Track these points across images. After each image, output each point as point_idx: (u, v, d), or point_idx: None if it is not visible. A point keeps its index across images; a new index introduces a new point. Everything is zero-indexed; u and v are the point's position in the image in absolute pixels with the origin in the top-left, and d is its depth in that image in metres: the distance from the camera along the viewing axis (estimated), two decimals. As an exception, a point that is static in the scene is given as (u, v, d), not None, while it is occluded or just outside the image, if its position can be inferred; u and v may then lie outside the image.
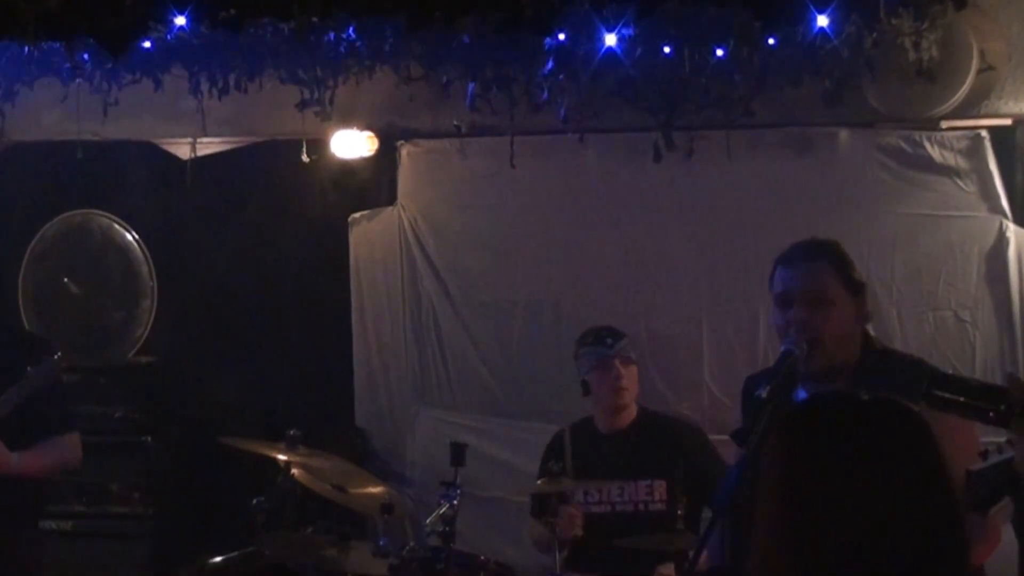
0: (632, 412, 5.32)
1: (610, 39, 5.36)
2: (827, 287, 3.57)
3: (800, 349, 3.51)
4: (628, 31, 5.38)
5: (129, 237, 6.59)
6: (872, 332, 3.77)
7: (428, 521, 4.80)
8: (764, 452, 1.95)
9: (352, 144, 6.14)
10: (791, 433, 1.94)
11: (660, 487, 5.11)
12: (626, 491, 5.12)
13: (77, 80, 5.94)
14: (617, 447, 5.23)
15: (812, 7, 5.21)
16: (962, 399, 2.67)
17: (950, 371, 5.42)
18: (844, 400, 2.00)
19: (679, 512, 4.83)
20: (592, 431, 5.34)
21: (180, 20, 5.45)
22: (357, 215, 6.35)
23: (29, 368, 4.41)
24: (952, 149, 5.62)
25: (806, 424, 1.96)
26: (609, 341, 5.30)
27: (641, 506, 5.13)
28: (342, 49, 5.67)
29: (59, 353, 4.47)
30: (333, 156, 6.16)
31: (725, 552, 3.67)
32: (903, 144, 5.67)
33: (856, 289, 3.63)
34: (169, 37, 5.66)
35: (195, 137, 6.32)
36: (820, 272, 3.59)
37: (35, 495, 4.78)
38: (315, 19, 5.55)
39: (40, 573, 4.83)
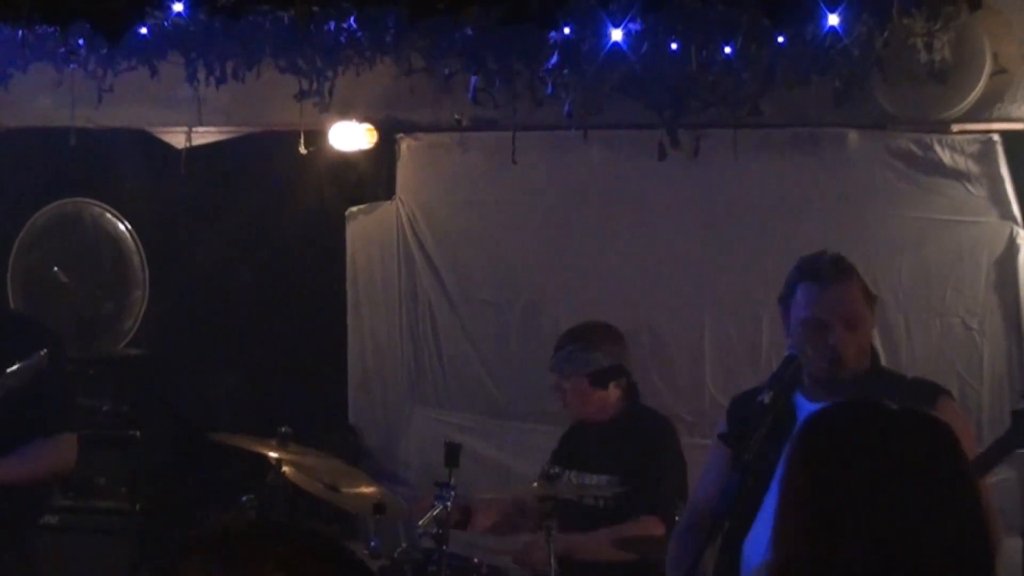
0: (619, 406, 5.19)
1: (616, 34, 5.29)
2: (859, 306, 3.59)
3: (803, 355, 3.47)
4: (634, 26, 5.31)
5: (121, 227, 6.53)
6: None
7: (421, 522, 4.72)
8: (784, 462, 1.88)
9: (351, 136, 6.07)
10: (817, 441, 1.89)
11: (614, 483, 5.01)
12: (595, 484, 5.05)
13: (72, 65, 5.87)
14: (593, 440, 5.17)
15: (823, 5, 5.15)
16: None
17: (957, 379, 5.41)
18: (872, 410, 1.95)
19: (676, 517, 4.73)
20: (590, 423, 5.26)
21: (178, 6, 5.38)
22: (354, 209, 6.29)
23: (16, 364, 4.25)
24: (963, 153, 5.55)
25: (833, 432, 1.92)
26: (554, 356, 5.20)
27: (601, 502, 5.04)
28: (342, 39, 5.61)
29: (45, 350, 4.28)
30: (331, 148, 6.09)
31: (722, 557, 3.63)
32: (913, 147, 5.61)
33: (873, 302, 3.68)
34: (166, 23, 5.59)
35: (191, 126, 6.27)
36: (852, 292, 3.59)
37: (29, 499, 4.62)
38: (315, 8, 5.49)
39: (29, 570, 4.70)
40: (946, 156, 5.56)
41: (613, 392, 5.12)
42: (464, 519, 5.09)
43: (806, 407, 3.55)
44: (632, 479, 4.88)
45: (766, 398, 3.43)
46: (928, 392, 3.58)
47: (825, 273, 3.59)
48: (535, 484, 4.93)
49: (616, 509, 4.90)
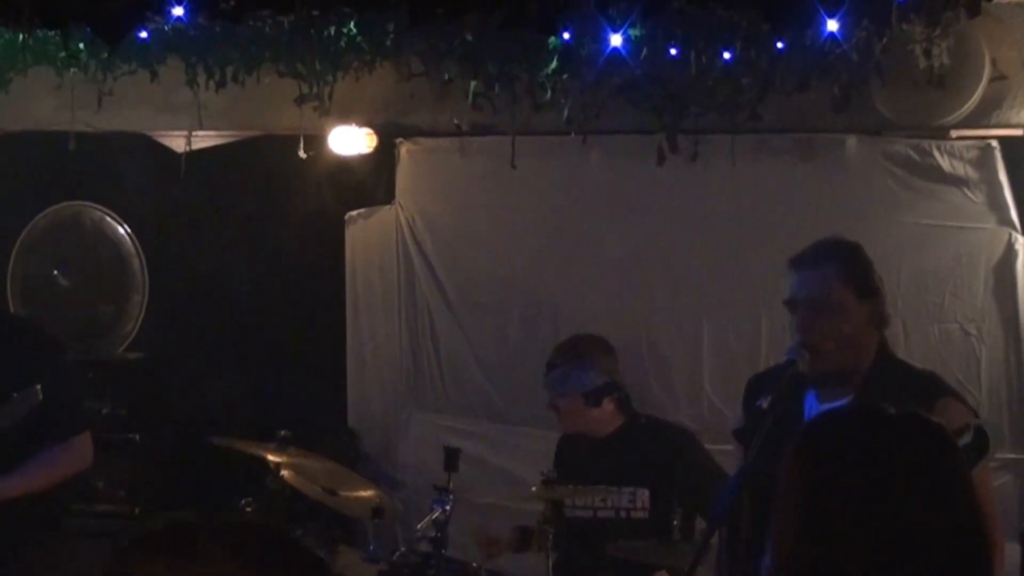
0: (616, 420, 5.19)
1: (615, 39, 5.29)
2: (831, 293, 3.53)
3: (802, 357, 3.47)
4: (634, 31, 5.31)
5: (121, 230, 6.53)
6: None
7: (419, 526, 4.73)
8: (783, 464, 1.88)
9: (350, 141, 6.07)
10: (815, 446, 1.89)
11: (643, 495, 5.01)
12: (609, 498, 5.04)
13: (72, 69, 5.87)
14: (603, 453, 5.14)
15: (822, 11, 5.14)
16: None
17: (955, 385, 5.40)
18: (870, 414, 1.95)
19: (675, 523, 4.72)
20: (583, 436, 5.25)
21: (178, 11, 5.37)
22: (354, 213, 6.29)
23: (15, 395, 4.23)
24: (961, 159, 5.55)
25: (831, 437, 1.92)
26: (546, 375, 5.17)
27: (623, 513, 5.04)
28: (342, 43, 5.62)
29: (38, 386, 4.19)
30: (331, 152, 6.09)
31: (721, 561, 3.62)
32: (911, 152, 5.61)
33: (867, 293, 3.57)
34: (166, 27, 5.59)
35: (190, 130, 6.26)
36: (826, 278, 3.55)
37: (51, 504, 4.60)
38: (315, 12, 5.50)
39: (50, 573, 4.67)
40: (944, 162, 5.56)
41: (607, 407, 5.10)
42: (525, 542, 5.08)
43: (814, 407, 3.55)
44: (671, 490, 4.83)
45: (764, 403, 3.43)
46: (930, 391, 3.51)
47: (804, 258, 3.60)
48: (533, 490, 4.93)
49: (652, 521, 4.88)
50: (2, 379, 4.24)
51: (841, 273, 3.55)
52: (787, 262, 3.63)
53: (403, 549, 4.83)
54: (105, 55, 5.76)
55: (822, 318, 3.50)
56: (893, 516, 1.80)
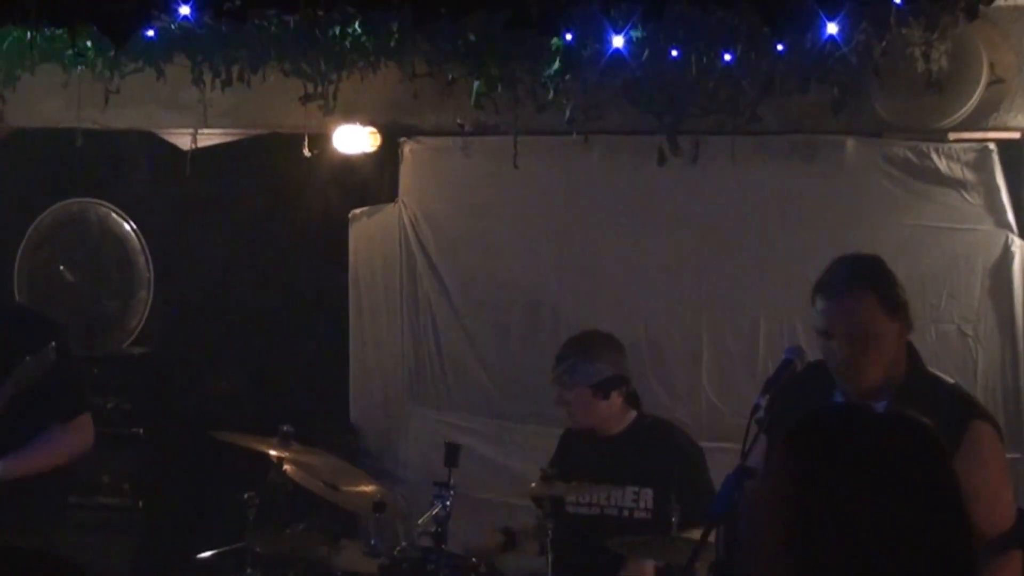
0: (626, 418, 5.21)
1: (617, 41, 5.32)
2: (870, 321, 3.50)
3: (800, 357, 3.49)
4: (635, 33, 5.34)
5: (127, 227, 6.57)
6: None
7: (420, 521, 4.76)
8: (770, 462, 1.91)
9: (354, 139, 6.10)
10: (800, 444, 1.91)
11: (646, 495, 5.02)
12: (613, 496, 5.06)
13: (79, 67, 5.90)
14: (609, 451, 5.15)
15: (822, 14, 5.17)
16: None
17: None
18: (854, 413, 1.97)
19: (673, 520, 4.75)
20: (590, 433, 5.28)
21: (184, 9, 5.39)
22: (357, 211, 6.33)
23: (27, 358, 4.31)
24: (959, 161, 5.59)
25: (815, 436, 1.93)
26: (555, 368, 5.15)
27: (626, 512, 5.06)
28: (347, 43, 5.64)
29: (54, 343, 4.35)
30: (335, 151, 6.13)
31: (720, 558, 3.64)
32: (910, 155, 5.64)
33: (896, 311, 3.54)
34: (173, 26, 5.62)
35: (196, 128, 6.29)
36: (863, 306, 3.51)
37: (52, 487, 4.66)
38: (320, 12, 5.52)
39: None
40: (942, 164, 5.60)
41: (615, 401, 5.10)
42: (511, 543, 5.12)
43: None
44: (671, 491, 4.84)
45: (762, 401, 3.45)
46: (962, 413, 3.47)
47: (833, 286, 3.55)
48: (532, 485, 4.96)
49: (655, 522, 4.88)
50: (9, 356, 4.30)
51: (877, 298, 3.52)
52: (815, 287, 3.58)
53: (404, 544, 4.86)
54: (112, 53, 5.80)
55: (864, 347, 3.49)
56: (878, 514, 1.81)
